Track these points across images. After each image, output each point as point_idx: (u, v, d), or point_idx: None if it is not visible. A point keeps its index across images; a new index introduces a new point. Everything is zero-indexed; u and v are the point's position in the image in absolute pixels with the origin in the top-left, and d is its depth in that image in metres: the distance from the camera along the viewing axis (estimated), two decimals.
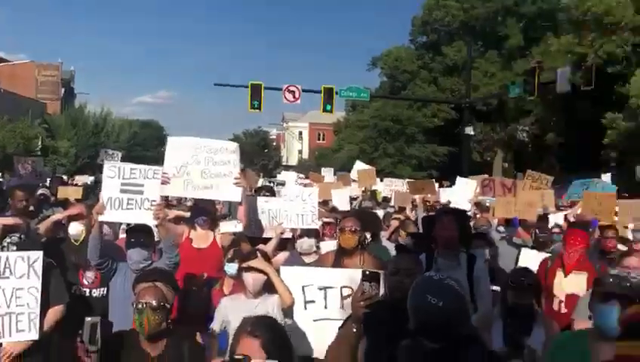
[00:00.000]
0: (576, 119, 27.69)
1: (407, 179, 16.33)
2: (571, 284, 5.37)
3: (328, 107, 23.54)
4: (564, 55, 27.44)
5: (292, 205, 6.13)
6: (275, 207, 6.31)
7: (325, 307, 4.34)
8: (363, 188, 14.50)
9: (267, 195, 7.08)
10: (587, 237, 5.75)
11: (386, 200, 14.48)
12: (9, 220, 4.90)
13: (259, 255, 4.37)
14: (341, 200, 11.07)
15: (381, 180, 16.69)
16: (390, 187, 15.32)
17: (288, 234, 6.19)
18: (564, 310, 5.30)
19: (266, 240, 5.96)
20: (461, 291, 2.25)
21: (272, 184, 19.12)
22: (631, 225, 9.24)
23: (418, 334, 2.25)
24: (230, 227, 5.49)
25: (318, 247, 5.86)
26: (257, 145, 69.66)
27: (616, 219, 10.31)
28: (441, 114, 39.88)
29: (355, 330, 2.96)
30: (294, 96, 23.16)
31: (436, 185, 14.27)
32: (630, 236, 8.81)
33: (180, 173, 5.37)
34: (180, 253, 4.84)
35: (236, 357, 2.00)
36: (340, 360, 2.99)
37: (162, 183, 5.03)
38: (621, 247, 7.10)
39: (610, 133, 24.12)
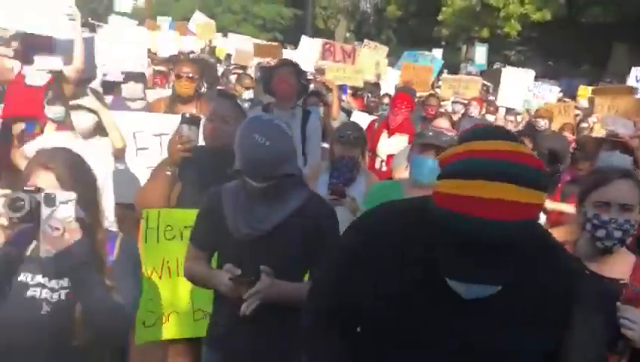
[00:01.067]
0: None
1: (254, 40, 15.79)
2: (393, 145, 5.62)
3: None
4: None
5: (116, 47, 5.66)
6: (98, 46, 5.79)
7: (161, 153, 4.11)
8: (203, 43, 13.88)
9: None
10: (412, 102, 6.06)
11: (229, 58, 14.04)
12: None
13: (89, 93, 4.02)
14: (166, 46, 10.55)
15: (224, 36, 16.04)
16: (235, 45, 14.78)
17: (118, 77, 5.77)
18: (384, 168, 5.64)
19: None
20: (289, 131, 2.25)
21: None
22: (452, 98, 10.09)
23: (244, 173, 2.22)
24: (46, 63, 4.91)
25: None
26: None
27: (439, 91, 11.16)
28: None
29: (169, 173, 2.86)
30: None
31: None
32: (450, 108, 9.62)
33: None
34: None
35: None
36: (150, 201, 2.86)
37: None
38: None
39: (445, 11, 25.21)
